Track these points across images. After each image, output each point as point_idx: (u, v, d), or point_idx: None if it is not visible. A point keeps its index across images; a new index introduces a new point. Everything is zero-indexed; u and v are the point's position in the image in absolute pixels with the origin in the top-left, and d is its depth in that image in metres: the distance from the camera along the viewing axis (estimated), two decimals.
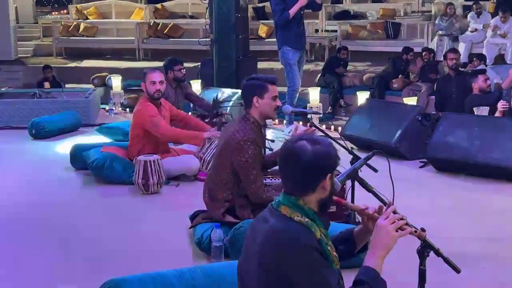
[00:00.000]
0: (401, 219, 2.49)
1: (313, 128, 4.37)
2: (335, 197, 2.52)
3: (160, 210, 5.24)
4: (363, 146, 6.83)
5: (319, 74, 11.61)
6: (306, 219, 2.33)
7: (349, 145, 6.97)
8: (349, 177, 2.79)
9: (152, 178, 5.48)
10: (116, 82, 9.64)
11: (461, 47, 12.00)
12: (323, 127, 7.96)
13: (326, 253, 2.31)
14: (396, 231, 2.41)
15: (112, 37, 15.76)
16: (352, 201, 4.39)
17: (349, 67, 12.63)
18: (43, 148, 7.44)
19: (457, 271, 2.58)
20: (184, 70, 7.30)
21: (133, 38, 15.00)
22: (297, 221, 2.31)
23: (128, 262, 4.13)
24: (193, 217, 4.52)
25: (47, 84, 10.20)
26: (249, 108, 4.22)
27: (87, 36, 15.63)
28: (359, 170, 2.91)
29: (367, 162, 3.17)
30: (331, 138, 4.39)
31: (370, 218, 2.55)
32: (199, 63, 10.74)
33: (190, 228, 4.46)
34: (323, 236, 2.34)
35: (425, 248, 2.56)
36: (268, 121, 8.40)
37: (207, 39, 10.37)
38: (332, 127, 7.91)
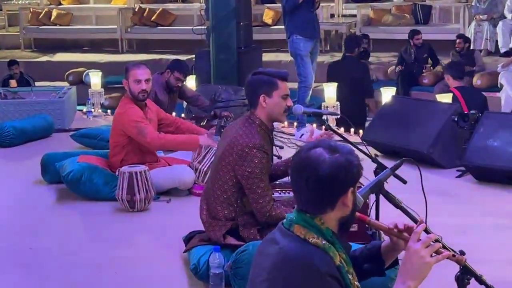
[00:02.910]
0: (436, 240, 2.48)
1: (330, 132, 4.35)
2: (357, 214, 2.52)
3: (148, 230, 5.23)
4: (389, 153, 6.82)
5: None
6: (324, 241, 2.32)
7: (372, 151, 7.01)
8: (373, 190, 2.78)
9: (139, 193, 5.47)
10: (95, 79, 9.66)
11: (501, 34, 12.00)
12: (341, 130, 7.98)
13: (346, 283, 2.30)
14: (431, 255, 2.40)
15: (90, 25, 15.83)
16: (377, 218, 4.39)
17: (371, 58, 12.67)
18: (8, 158, 7.43)
19: None
20: (182, 83, 7.36)
21: (115, 26, 15.06)
22: (313, 243, 2.30)
23: None
24: (188, 239, 4.52)
25: (13, 82, 10.21)
26: (255, 108, 4.22)
27: (60, 25, 15.71)
28: (385, 182, 2.90)
29: (395, 172, 3.12)
30: (351, 143, 4.45)
31: (400, 239, 2.54)
32: (194, 56, 10.75)
33: (184, 252, 4.45)
34: (343, 262, 2.33)
35: (465, 275, 2.56)
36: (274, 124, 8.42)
37: (203, 27, 10.38)
38: (352, 130, 7.90)
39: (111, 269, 4.50)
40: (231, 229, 4.25)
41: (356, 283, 2.38)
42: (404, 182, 4.36)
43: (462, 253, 2.63)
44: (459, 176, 6.37)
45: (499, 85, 10.44)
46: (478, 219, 5.39)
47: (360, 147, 4.39)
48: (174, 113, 8.47)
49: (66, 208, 5.75)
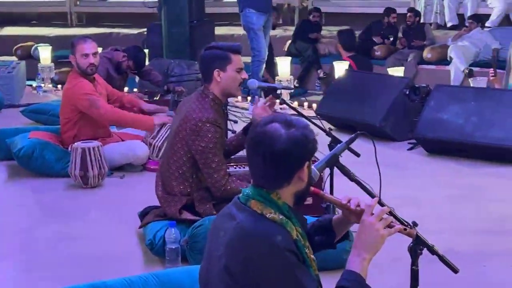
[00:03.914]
0: (390, 213, 2.53)
1: (274, 98, 4.35)
2: (312, 188, 2.55)
3: (102, 207, 5.22)
4: (343, 126, 6.88)
5: (289, 41, 11.64)
6: (281, 216, 2.33)
7: (327, 125, 7.05)
8: (328, 164, 2.80)
9: (92, 169, 5.45)
10: (45, 53, 9.53)
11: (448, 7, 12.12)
12: (295, 104, 8.02)
13: (304, 257, 2.33)
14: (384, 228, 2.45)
15: None
16: (331, 192, 4.43)
17: (323, 32, 12.68)
18: None
19: (455, 271, 2.64)
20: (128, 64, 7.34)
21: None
22: (270, 218, 2.32)
23: (65, 270, 4.10)
24: (143, 215, 4.52)
25: None
26: (209, 83, 4.21)
27: None
28: (339, 156, 2.93)
29: (349, 146, 3.16)
30: (305, 117, 4.48)
31: (353, 213, 2.57)
32: (145, 30, 10.66)
33: (139, 227, 4.45)
34: (300, 236, 2.36)
35: (418, 245, 2.61)
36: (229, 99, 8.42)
37: (155, 1, 10.29)
38: (306, 104, 7.95)
39: (65, 246, 4.46)
40: (187, 204, 4.26)
41: (312, 256, 2.40)
42: (358, 155, 4.42)
43: (414, 224, 2.67)
44: (410, 149, 6.48)
45: (448, 59, 10.56)
46: (428, 191, 5.48)
47: (314, 121, 4.43)
48: (126, 88, 8.45)
49: (17, 185, 5.71)
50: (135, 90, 8.32)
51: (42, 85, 9.33)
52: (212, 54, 4.22)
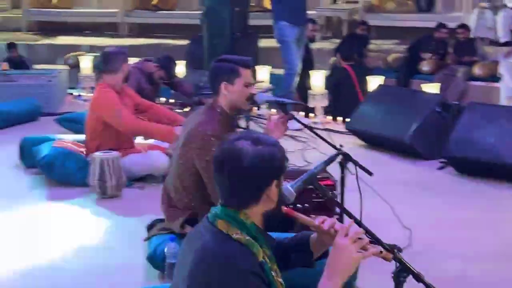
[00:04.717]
0: (371, 236, 2.44)
1: (289, 115, 4.28)
2: (285, 208, 2.47)
3: (117, 217, 5.22)
4: (373, 143, 6.76)
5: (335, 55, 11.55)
6: (247, 237, 2.27)
7: (356, 141, 6.96)
8: (306, 183, 2.71)
9: (110, 179, 5.46)
10: (85, 62, 9.62)
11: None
12: (329, 118, 7.93)
13: (270, 280, 2.26)
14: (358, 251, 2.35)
15: (92, 9, 15.78)
16: (342, 200, 4.35)
17: (372, 46, 12.57)
18: None
19: None
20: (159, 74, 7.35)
21: (116, 10, 14.99)
22: (235, 239, 2.25)
23: (67, 279, 4.12)
24: (150, 227, 4.49)
25: (4, 65, 10.20)
26: (217, 95, 4.16)
27: (62, 8, 15.66)
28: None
29: (329, 165, 3.07)
30: (315, 133, 4.40)
31: (327, 234, 2.49)
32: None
33: (144, 240, 4.41)
34: (267, 258, 2.29)
35: (402, 272, 2.50)
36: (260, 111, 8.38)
37: (200, 12, 10.33)
38: (340, 118, 7.85)
39: (72, 255, 4.48)
40: (190, 219, 4.20)
41: (280, 280, 2.33)
42: (370, 174, 4.33)
43: (399, 249, 2.57)
44: (440, 168, 6.30)
45: (498, 75, 10.31)
46: (452, 212, 5.32)
47: (327, 138, 4.35)
48: (163, 99, 8.48)
49: (39, 193, 5.74)
50: (171, 101, 8.32)
51: (83, 94, 9.42)
52: (221, 66, 4.17)
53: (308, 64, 8.90)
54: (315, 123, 7.76)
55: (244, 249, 2.24)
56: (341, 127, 7.52)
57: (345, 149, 6.47)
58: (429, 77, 10.77)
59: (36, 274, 4.20)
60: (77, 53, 13.23)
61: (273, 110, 8.59)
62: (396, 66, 11.80)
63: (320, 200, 4.42)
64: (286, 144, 6.82)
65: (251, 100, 4.27)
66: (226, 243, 2.24)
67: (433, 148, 6.41)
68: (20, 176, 6.16)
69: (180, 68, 9.15)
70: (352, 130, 7.09)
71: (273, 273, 2.29)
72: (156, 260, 4.09)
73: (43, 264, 4.35)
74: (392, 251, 2.51)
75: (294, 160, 5.89)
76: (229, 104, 4.15)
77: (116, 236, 4.84)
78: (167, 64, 7.32)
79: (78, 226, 5.05)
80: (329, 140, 4.34)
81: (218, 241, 2.25)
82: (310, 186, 2.79)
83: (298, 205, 4.57)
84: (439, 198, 5.63)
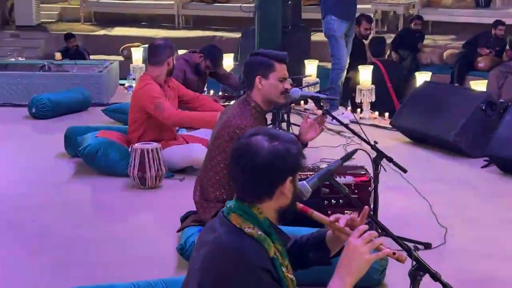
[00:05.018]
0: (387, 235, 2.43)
1: (325, 116, 4.26)
2: (300, 205, 2.47)
3: (154, 208, 5.28)
4: (418, 140, 6.67)
5: (388, 50, 11.44)
6: (260, 232, 2.27)
7: (400, 137, 6.88)
8: (321, 180, 2.69)
9: (150, 170, 5.50)
10: (137, 54, 9.71)
11: None
12: (375, 114, 7.86)
13: (280, 276, 2.26)
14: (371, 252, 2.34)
15: (149, 0, 15.92)
16: (375, 205, 4.32)
17: (428, 41, 12.43)
18: (40, 131, 7.62)
19: None
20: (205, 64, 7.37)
21: (172, 2, 15.11)
22: (248, 233, 2.26)
23: (99, 269, 4.17)
24: (184, 219, 4.52)
25: (58, 55, 10.37)
26: (251, 89, 4.17)
27: (120, 0, 15.85)
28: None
29: (346, 161, 3.05)
30: (349, 129, 4.37)
31: (342, 233, 2.48)
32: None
33: (177, 231, 4.45)
34: (278, 254, 2.29)
35: (418, 270, 2.48)
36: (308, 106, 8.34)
37: (251, 5, 10.31)
38: (387, 114, 7.77)
39: (105, 245, 4.53)
40: None
41: (290, 276, 2.33)
42: (405, 171, 4.29)
43: (415, 249, 2.55)
44: (484, 166, 6.18)
45: None
46: (493, 212, 5.21)
47: (361, 134, 4.32)
48: (212, 92, 8.52)
49: (80, 183, 5.84)
50: (220, 93, 8.35)
51: (133, 85, 9.51)
52: (256, 60, 4.18)
53: (363, 60, 8.86)
54: (361, 118, 7.70)
55: (256, 244, 2.24)
56: (387, 123, 7.45)
57: (389, 146, 6.50)
58: (485, 74, 10.59)
59: (66, 264, 4.28)
60: (132, 44, 13.41)
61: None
62: (452, 62, 11.64)
63: (356, 196, 4.40)
64: (331, 139, 6.89)
65: (286, 94, 4.26)
66: (238, 237, 2.25)
67: (478, 146, 6.28)
68: (64, 165, 6.25)
69: (229, 61, 9.17)
70: (396, 126, 7.01)
71: (284, 269, 2.29)
72: (186, 251, 4.12)
73: (74, 256, 4.42)
74: (409, 249, 2.49)
75: (337, 156, 5.86)
76: (263, 98, 4.15)
77: (152, 227, 4.89)
78: (212, 53, 7.33)
79: (115, 216, 5.12)
80: (365, 138, 4.29)
81: (230, 235, 2.26)
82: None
83: (333, 201, 4.59)
84: (480, 197, 5.53)
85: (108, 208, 5.29)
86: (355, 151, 3.18)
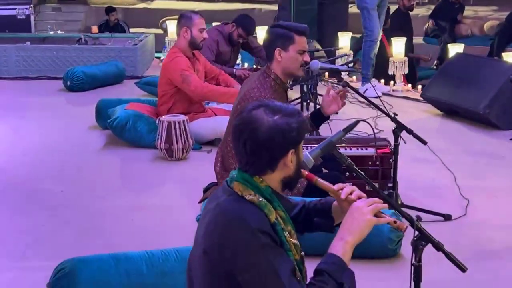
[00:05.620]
0: (387, 203, 2.46)
1: (346, 89, 4.26)
2: (306, 173, 2.50)
3: (180, 179, 5.34)
4: (448, 111, 6.62)
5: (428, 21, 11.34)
6: (261, 199, 2.31)
7: (431, 109, 6.84)
8: (324, 151, 2.72)
9: (177, 143, 5.58)
10: (172, 27, 9.75)
11: None
12: (409, 86, 7.82)
13: (282, 240, 2.30)
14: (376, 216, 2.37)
15: None
16: (395, 177, 4.34)
17: (469, 12, 12.25)
18: (75, 103, 7.76)
19: (462, 269, 2.50)
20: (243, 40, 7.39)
21: None
22: (249, 200, 2.31)
23: (121, 237, 4.26)
24: (206, 190, 4.59)
25: (94, 28, 10.51)
26: (271, 61, 4.18)
27: None
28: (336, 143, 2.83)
29: (348, 133, 3.06)
30: (369, 101, 4.37)
31: (345, 201, 2.51)
32: None
33: (199, 202, 4.53)
34: (280, 220, 2.33)
35: (419, 240, 2.50)
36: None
37: None
38: (420, 86, 7.72)
39: (128, 216, 4.61)
40: None
41: (293, 241, 2.36)
42: (424, 143, 4.29)
43: (418, 218, 2.58)
44: None
45: None
46: None
47: (379, 106, 4.33)
48: (246, 64, 8.55)
49: (109, 154, 5.95)
50: (254, 66, 8.38)
51: None
52: (276, 32, 4.18)
53: (409, 32, 8.82)
54: (394, 91, 7.67)
55: (256, 209, 2.29)
56: (415, 95, 7.44)
57: (420, 118, 6.47)
58: None
59: (89, 233, 4.38)
60: (172, 17, 13.47)
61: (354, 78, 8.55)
62: (492, 34, 11.46)
63: (377, 168, 4.41)
64: (362, 111, 6.87)
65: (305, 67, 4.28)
66: (239, 203, 2.30)
67: (507, 118, 6.23)
68: (95, 136, 6.39)
69: (262, 34, 9.16)
70: (427, 99, 6.97)
71: (286, 234, 2.32)
72: None
73: (98, 225, 4.51)
74: (411, 219, 2.52)
75: (367, 128, 5.86)
76: (282, 71, 4.16)
77: (176, 198, 4.96)
78: (243, 21, 7.36)
79: (141, 187, 5.21)
80: (385, 110, 4.30)
81: (231, 201, 2.32)
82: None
83: (354, 173, 4.59)
84: (507, 169, 5.49)
85: (135, 179, 5.38)
86: (357, 122, 3.21)
